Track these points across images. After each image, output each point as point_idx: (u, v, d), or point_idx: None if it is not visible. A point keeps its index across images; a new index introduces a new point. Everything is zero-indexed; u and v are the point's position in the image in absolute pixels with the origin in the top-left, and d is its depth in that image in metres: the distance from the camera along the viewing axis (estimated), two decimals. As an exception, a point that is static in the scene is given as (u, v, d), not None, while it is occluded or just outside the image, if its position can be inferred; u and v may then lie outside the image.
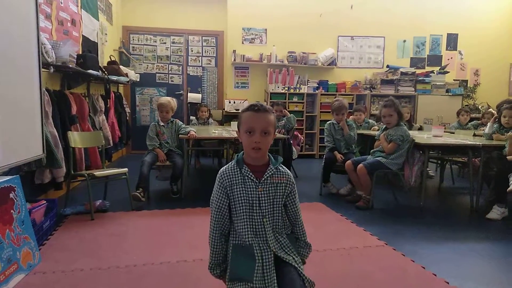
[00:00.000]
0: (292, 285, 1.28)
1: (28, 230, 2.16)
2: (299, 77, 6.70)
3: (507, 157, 3.17)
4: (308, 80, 6.72)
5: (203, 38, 7.02)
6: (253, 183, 1.36)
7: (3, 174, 2.19)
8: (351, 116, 4.96)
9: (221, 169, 1.41)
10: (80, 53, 4.16)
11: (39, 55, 2.57)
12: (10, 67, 2.21)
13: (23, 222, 2.13)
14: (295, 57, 6.75)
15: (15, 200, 2.09)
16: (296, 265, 1.35)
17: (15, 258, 1.98)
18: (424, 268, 2.21)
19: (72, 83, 3.91)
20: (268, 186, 1.37)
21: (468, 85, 7.35)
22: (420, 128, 5.40)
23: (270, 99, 6.35)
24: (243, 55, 6.60)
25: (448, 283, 2.03)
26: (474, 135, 4.52)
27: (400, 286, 2.01)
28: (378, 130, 4.00)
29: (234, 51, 6.60)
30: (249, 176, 1.36)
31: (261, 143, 1.33)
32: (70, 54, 3.37)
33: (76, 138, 3.34)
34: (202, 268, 2.13)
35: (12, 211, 2.04)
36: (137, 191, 3.43)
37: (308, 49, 6.77)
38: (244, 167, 1.37)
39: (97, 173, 3.17)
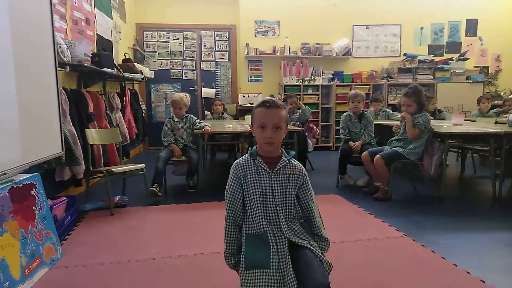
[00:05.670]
0: (309, 265, 1.29)
1: (49, 225, 2.23)
2: (313, 69, 6.62)
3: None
4: (322, 72, 6.64)
5: (216, 32, 7.01)
6: (266, 173, 1.39)
7: (24, 172, 2.25)
8: (371, 108, 4.87)
9: (235, 161, 1.45)
10: (95, 51, 4.23)
11: (55, 55, 2.62)
12: (27, 68, 2.26)
13: (45, 218, 2.19)
14: (309, 48, 6.66)
15: (37, 197, 2.15)
16: (311, 247, 1.37)
17: (38, 253, 2.04)
18: (444, 258, 2.17)
19: (88, 81, 3.97)
20: (280, 176, 1.40)
21: (489, 72, 7.11)
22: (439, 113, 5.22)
23: (284, 91, 6.30)
24: (256, 49, 6.57)
25: (469, 273, 1.98)
26: (496, 122, 4.38)
27: (419, 276, 1.97)
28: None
29: (247, 44, 6.58)
30: (263, 166, 1.39)
31: (273, 138, 1.36)
32: (85, 53, 3.43)
33: (93, 135, 3.40)
34: (219, 261, 2.15)
35: (34, 207, 2.10)
36: (153, 186, 3.50)
37: (322, 40, 6.67)
38: (257, 158, 1.40)
39: (115, 169, 3.23)
